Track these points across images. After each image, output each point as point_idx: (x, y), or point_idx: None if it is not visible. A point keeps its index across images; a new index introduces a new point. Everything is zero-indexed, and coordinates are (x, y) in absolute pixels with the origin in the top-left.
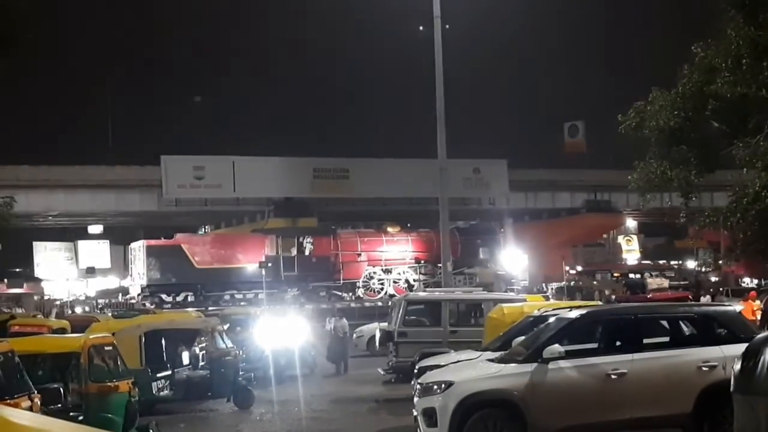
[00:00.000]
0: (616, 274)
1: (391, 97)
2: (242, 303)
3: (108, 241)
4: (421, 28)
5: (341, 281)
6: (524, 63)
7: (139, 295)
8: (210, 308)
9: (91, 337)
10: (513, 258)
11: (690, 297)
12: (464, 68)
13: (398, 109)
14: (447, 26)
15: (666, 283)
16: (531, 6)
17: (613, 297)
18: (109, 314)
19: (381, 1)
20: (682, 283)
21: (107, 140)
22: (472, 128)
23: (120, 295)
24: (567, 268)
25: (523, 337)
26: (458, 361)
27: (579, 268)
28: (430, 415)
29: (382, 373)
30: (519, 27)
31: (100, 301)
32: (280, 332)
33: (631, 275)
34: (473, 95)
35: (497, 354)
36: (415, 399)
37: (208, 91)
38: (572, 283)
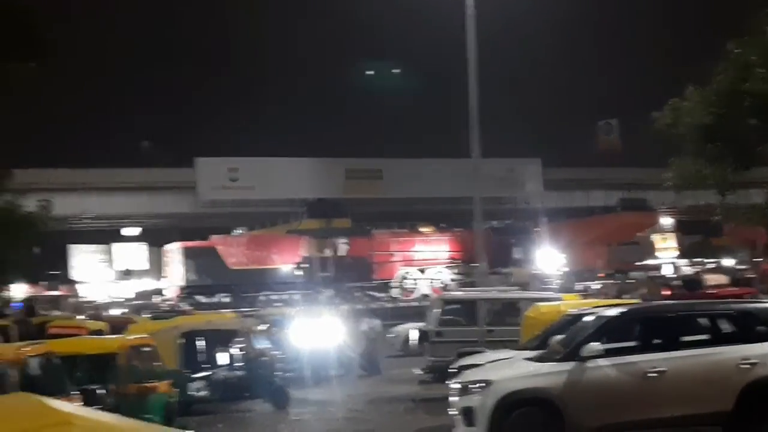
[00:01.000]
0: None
1: (425, 96)
2: (278, 304)
3: (146, 243)
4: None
5: (376, 281)
6: (558, 61)
7: (177, 296)
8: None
9: (129, 338)
10: (548, 257)
11: (756, 294)
12: (498, 67)
13: (431, 109)
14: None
15: (725, 279)
16: (564, 3)
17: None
18: (147, 316)
19: None
20: None
21: (142, 142)
22: (506, 127)
23: (157, 296)
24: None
25: (560, 336)
26: (496, 360)
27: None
28: (468, 414)
29: (419, 372)
30: (553, 25)
31: (135, 302)
32: (316, 333)
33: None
34: (507, 94)
35: (535, 353)
36: (453, 398)
37: (238, 92)
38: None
